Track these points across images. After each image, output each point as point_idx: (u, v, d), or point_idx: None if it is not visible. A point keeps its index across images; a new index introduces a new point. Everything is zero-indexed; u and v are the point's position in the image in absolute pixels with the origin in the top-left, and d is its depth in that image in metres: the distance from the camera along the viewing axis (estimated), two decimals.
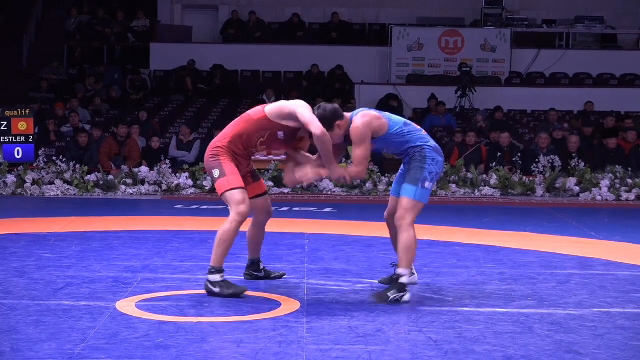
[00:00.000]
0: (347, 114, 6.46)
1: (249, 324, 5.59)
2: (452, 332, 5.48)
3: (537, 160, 14.40)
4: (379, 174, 14.19)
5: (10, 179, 13.69)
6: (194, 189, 13.83)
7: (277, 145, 6.63)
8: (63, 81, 20.96)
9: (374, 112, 6.49)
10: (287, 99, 19.04)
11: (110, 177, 13.87)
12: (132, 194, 13.66)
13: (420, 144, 6.48)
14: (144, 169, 13.96)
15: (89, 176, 13.73)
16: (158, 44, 22.23)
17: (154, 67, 21.78)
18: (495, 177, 14.17)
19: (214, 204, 12.14)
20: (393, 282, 6.37)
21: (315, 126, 6.19)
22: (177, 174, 13.96)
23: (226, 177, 6.34)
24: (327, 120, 6.28)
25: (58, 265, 7.52)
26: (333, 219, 11.21)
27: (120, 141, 15.27)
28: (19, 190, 13.59)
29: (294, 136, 6.54)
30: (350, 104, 19.22)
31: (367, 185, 13.97)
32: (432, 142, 6.57)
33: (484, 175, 14.39)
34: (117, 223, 10.44)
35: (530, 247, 8.95)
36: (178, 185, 13.73)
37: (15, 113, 14.54)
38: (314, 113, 6.31)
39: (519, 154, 14.97)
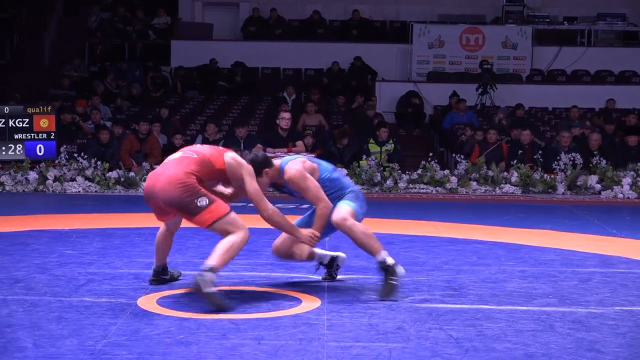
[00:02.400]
0: (276, 163, 6.46)
1: (270, 321, 5.59)
2: (473, 329, 5.47)
3: (558, 157, 14.36)
4: (399, 171, 14.18)
5: (32, 175, 13.77)
6: None
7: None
8: (84, 78, 21.04)
9: (301, 158, 6.54)
10: (308, 96, 19.32)
11: (131, 174, 13.92)
12: None
13: (352, 188, 6.63)
14: None
15: (110, 173, 13.79)
16: (179, 41, 22.28)
17: (174, 65, 21.83)
18: (516, 174, 14.14)
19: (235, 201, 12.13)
20: (382, 270, 6.34)
21: (263, 208, 6.17)
22: None
23: (217, 202, 6.06)
24: (256, 166, 6.30)
25: (79, 261, 7.55)
26: None
27: (141, 138, 15.31)
28: (41, 187, 13.67)
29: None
30: (371, 101, 19.22)
31: (388, 182, 13.96)
32: (355, 187, 6.74)
33: (505, 173, 14.37)
34: (138, 220, 10.46)
35: (551, 245, 8.92)
36: None
37: (37, 110, 14.64)
38: (245, 157, 6.32)
39: (540, 152, 14.94)
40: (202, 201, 6.00)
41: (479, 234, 9.63)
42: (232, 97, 20.47)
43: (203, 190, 6.05)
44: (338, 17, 23.65)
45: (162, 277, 6.72)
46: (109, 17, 23.05)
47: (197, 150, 6.28)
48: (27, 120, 14.49)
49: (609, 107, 19.80)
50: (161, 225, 6.61)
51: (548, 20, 22.69)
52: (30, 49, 22.30)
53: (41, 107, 14.81)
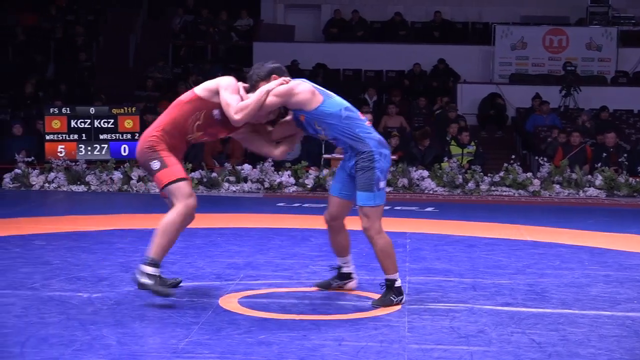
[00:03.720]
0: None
1: (351, 322, 5.59)
2: (556, 334, 5.40)
3: None
4: (481, 173, 14.09)
5: (117, 175, 13.96)
6: (296, 187, 13.91)
7: (215, 127, 6.17)
8: (168, 80, 21.27)
9: (306, 85, 6.36)
10: (390, 98, 19.31)
11: (214, 174, 14.04)
12: (234, 191, 13.80)
13: (363, 135, 6.14)
14: (246, 166, 14.09)
15: (193, 173, 13.91)
16: (261, 43, 22.37)
17: None
18: (600, 177, 13.95)
19: (316, 202, 12.18)
20: (387, 287, 6.10)
21: (232, 110, 5.91)
22: (280, 172, 14.06)
23: (169, 168, 5.96)
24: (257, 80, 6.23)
25: (162, 261, 7.62)
26: (435, 219, 11.16)
27: (223, 139, 15.41)
28: (125, 187, 13.85)
29: None
30: (453, 104, 19.13)
31: (470, 185, 13.87)
32: (376, 135, 6.21)
33: (589, 176, 14.18)
34: (220, 220, 10.54)
35: (637, 250, 8.79)
36: (280, 183, 13.84)
37: (122, 111, 14.86)
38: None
39: (625, 155, 14.71)
40: (155, 164, 6.00)
41: (562, 238, 9.52)
42: None
43: (161, 152, 5.99)
44: (420, 18, 23.56)
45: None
46: (192, 19, 23.28)
47: (181, 96, 6.25)
48: (112, 121, 14.72)
49: None
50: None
51: (634, 21, 22.34)
52: (115, 50, 22.62)
53: (126, 108, 15.03)
